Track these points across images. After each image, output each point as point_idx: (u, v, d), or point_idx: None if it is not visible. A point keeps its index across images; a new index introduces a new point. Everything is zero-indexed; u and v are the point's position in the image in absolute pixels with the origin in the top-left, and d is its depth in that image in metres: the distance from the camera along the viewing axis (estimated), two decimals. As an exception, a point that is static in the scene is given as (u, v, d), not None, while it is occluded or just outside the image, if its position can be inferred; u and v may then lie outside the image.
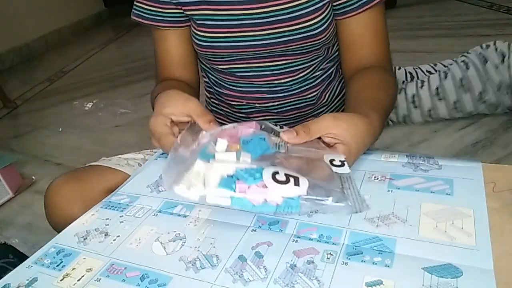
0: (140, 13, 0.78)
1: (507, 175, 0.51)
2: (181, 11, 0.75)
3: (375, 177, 0.56)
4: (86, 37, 4.08)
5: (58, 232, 0.57)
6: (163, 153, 0.72)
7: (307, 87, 0.80)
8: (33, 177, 1.69)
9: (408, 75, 1.76)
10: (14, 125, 2.34)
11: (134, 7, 0.78)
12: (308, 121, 0.54)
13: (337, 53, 0.82)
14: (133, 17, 0.79)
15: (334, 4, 0.71)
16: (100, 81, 2.78)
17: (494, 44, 1.52)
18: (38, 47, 3.62)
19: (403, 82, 1.73)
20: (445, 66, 1.71)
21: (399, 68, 1.77)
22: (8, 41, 3.30)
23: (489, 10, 2.81)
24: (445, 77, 1.56)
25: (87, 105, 2.38)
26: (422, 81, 1.60)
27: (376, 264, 0.43)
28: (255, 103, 0.82)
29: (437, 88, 1.56)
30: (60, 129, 2.14)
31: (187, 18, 0.77)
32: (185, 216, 0.55)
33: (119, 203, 0.60)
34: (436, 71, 1.72)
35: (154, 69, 0.85)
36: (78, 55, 3.45)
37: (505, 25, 2.47)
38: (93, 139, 1.98)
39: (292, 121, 0.84)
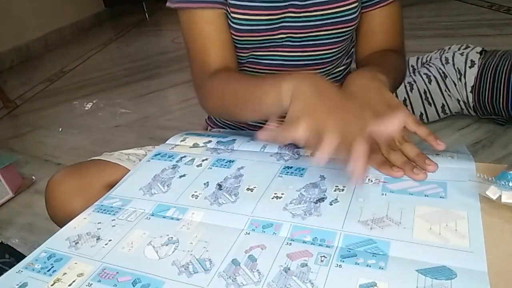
0: None
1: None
2: None
3: (369, 180, 0.55)
4: (86, 37, 4.08)
5: (59, 226, 0.57)
6: (155, 155, 0.71)
7: (331, 80, 0.82)
8: (33, 177, 1.69)
9: None
10: (14, 125, 2.34)
11: None
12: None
13: (352, 49, 0.85)
14: (174, 5, 0.72)
15: None
16: (100, 81, 2.78)
17: (453, 58, 1.56)
18: (38, 47, 3.62)
19: None
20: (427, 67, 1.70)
21: None
22: (8, 41, 3.30)
23: (489, 10, 2.80)
24: (411, 89, 1.60)
25: (87, 105, 2.39)
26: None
27: (370, 266, 0.42)
28: None
29: (404, 100, 1.60)
30: (60, 129, 2.14)
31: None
32: (178, 219, 0.54)
33: (112, 207, 0.60)
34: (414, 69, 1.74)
35: (189, 61, 0.77)
36: (78, 55, 3.45)
37: (505, 25, 2.46)
38: (93, 139, 1.98)
39: None
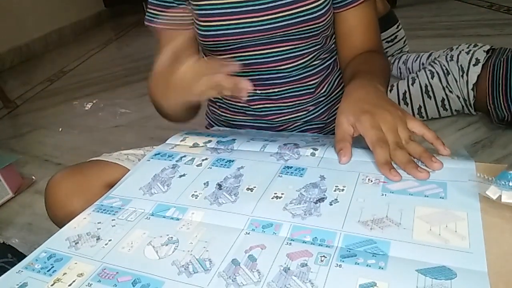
0: (151, 18, 0.83)
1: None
2: (184, 14, 0.80)
3: (369, 180, 0.55)
4: (86, 37, 4.08)
5: (59, 226, 0.57)
6: (155, 154, 0.71)
7: (307, 74, 0.83)
8: (33, 177, 1.69)
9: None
10: (14, 125, 2.34)
11: (146, 13, 0.84)
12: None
13: (334, 45, 0.86)
14: (145, 23, 0.84)
15: None
16: (100, 81, 2.78)
17: (458, 56, 1.57)
18: (38, 47, 3.62)
19: None
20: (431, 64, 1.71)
21: None
22: (8, 41, 3.31)
23: (489, 10, 2.80)
24: (413, 83, 1.62)
25: (87, 105, 2.39)
26: (391, 85, 1.65)
27: (370, 266, 0.42)
28: (256, 90, 0.84)
29: (404, 93, 1.62)
30: (60, 129, 2.14)
31: (190, 19, 0.81)
32: (178, 219, 0.54)
33: (111, 207, 0.60)
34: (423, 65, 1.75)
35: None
36: (78, 55, 3.45)
37: (505, 25, 2.46)
38: (93, 139, 1.98)
39: (292, 109, 0.86)
